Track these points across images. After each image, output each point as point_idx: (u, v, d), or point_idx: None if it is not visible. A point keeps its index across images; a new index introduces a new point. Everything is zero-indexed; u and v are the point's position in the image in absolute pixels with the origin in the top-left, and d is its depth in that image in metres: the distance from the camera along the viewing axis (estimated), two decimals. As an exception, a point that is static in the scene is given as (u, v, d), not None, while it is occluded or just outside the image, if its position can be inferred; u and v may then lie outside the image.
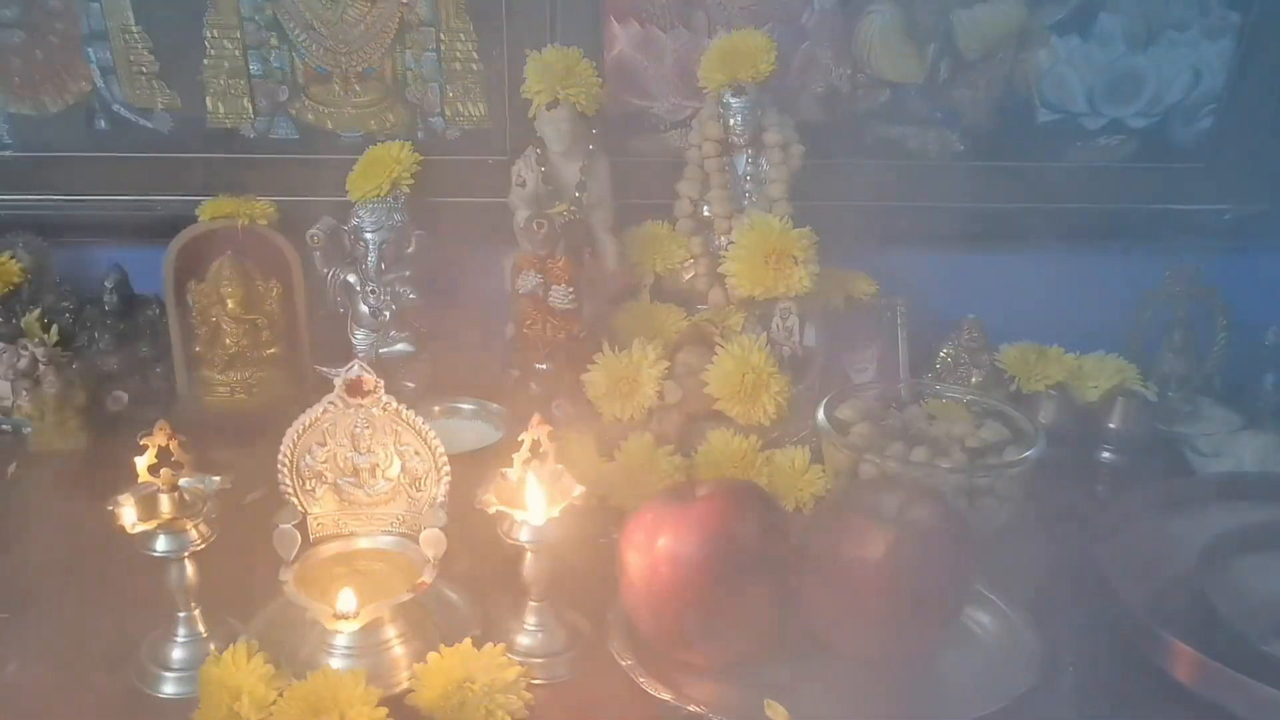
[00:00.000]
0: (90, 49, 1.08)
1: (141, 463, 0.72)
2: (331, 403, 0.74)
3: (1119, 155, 1.17)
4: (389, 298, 1.01)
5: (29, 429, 1.03)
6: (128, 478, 0.73)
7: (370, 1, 1.07)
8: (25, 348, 1.02)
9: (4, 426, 1.05)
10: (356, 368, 0.73)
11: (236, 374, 1.06)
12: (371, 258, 1.01)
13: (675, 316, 1.08)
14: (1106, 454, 1.05)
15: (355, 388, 0.74)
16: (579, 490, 0.75)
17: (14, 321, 1.07)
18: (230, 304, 1.05)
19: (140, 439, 0.73)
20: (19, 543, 0.88)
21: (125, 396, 1.06)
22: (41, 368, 1.01)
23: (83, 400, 1.03)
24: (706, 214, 1.08)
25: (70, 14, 1.06)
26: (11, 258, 1.08)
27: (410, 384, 1.02)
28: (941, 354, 1.11)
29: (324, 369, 0.77)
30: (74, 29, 1.07)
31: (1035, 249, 1.18)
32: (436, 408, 0.96)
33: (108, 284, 1.08)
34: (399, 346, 1.02)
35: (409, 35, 1.09)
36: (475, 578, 0.82)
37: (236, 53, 1.08)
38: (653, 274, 1.10)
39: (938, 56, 1.12)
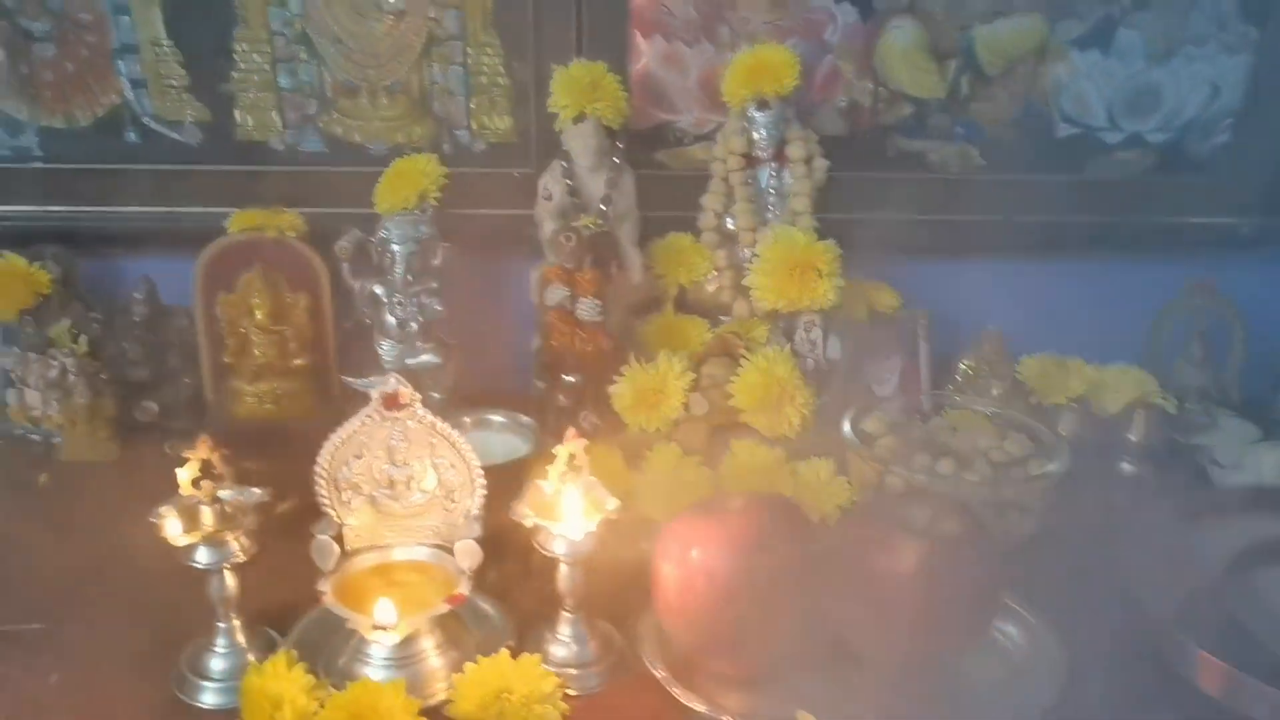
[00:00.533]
0: (121, 62, 1.09)
1: (184, 475, 0.72)
2: (369, 415, 0.75)
3: (1137, 169, 1.18)
4: (415, 309, 1.02)
5: (59, 439, 1.04)
6: (158, 488, 0.74)
7: (398, 16, 1.08)
8: (55, 358, 1.03)
9: (34, 436, 1.06)
10: (393, 381, 0.74)
11: (265, 385, 1.06)
12: (398, 269, 1.01)
13: (699, 328, 1.09)
14: (1126, 466, 1.06)
15: (392, 401, 0.75)
16: (614, 504, 0.75)
17: (44, 332, 1.07)
18: (259, 315, 1.06)
19: (169, 450, 0.73)
20: (52, 553, 0.88)
21: (155, 407, 1.07)
22: (71, 378, 1.02)
23: (112, 410, 1.04)
24: (731, 227, 1.09)
25: (101, 27, 1.07)
26: (41, 268, 1.08)
27: (436, 395, 1.02)
28: (962, 366, 1.11)
29: (351, 380, 0.78)
30: (104, 42, 1.08)
31: (1054, 262, 1.19)
32: (468, 419, 0.97)
33: (137, 295, 1.09)
34: (425, 358, 1.03)
35: (436, 49, 1.10)
36: (506, 588, 0.83)
37: (266, 66, 1.09)
38: (677, 286, 1.11)
39: (959, 71, 1.13)
